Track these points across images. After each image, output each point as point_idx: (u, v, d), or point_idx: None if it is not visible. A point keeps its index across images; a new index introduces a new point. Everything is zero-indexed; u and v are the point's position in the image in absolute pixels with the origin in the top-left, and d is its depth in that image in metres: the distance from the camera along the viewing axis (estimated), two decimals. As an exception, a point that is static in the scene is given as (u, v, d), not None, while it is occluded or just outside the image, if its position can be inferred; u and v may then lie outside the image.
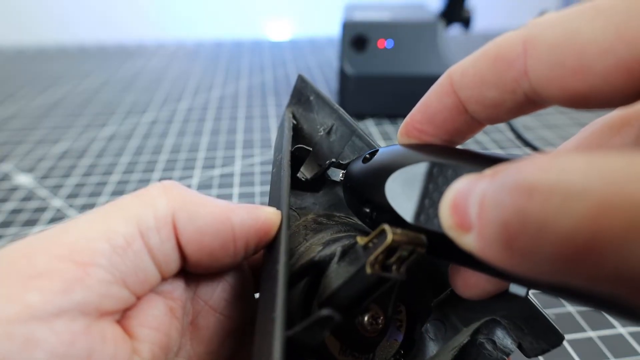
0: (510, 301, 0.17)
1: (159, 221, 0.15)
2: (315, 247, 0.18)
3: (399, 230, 0.14)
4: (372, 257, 0.14)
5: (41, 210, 0.41)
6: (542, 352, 0.16)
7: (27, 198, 0.43)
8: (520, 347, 0.17)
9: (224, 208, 0.17)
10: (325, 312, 0.13)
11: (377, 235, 0.14)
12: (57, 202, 0.42)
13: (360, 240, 0.15)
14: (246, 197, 0.42)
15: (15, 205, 0.42)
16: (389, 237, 0.14)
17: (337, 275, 0.16)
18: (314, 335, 0.13)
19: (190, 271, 0.17)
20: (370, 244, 0.15)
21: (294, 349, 0.13)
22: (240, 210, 0.17)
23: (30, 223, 0.39)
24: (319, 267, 0.17)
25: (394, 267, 0.15)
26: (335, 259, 0.16)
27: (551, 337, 0.16)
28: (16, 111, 0.62)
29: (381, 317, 0.17)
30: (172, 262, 0.16)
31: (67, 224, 0.15)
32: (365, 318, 0.17)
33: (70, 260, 0.14)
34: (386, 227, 0.14)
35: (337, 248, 0.17)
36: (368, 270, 0.14)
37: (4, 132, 0.56)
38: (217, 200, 0.17)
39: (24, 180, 0.46)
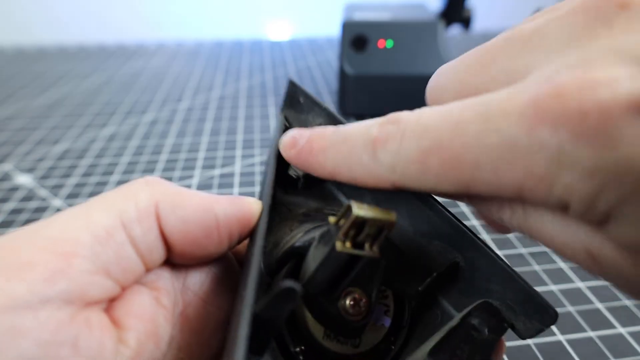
0: (502, 282, 0.17)
1: (141, 212, 0.16)
2: (298, 234, 0.18)
3: (365, 205, 0.14)
4: (340, 234, 0.14)
5: (41, 210, 0.41)
6: (537, 332, 0.16)
7: (27, 198, 0.43)
8: (513, 328, 0.17)
9: (207, 198, 0.17)
10: (286, 284, 0.13)
11: (345, 213, 0.15)
12: (57, 202, 0.42)
13: (332, 219, 0.15)
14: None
15: (15, 205, 0.42)
16: (354, 211, 0.14)
17: (314, 257, 0.16)
18: (280, 308, 0.13)
19: (176, 262, 0.18)
20: (340, 222, 0.15)
21: (264, 324, 0.13)
22: (222, 200, 0.17)
23: (31, 223, 0.39)
24: (299, 253, 0.17)
25: (366, 245, 0.15)
26: (314, 242, 0.16)
27: (544, 316, 0.16)
28: (16, 111, 0.62)
29: (363, 300, 0.17)
30: (156, 253, 0.16)
31: (50, 218, 0.15)
32: (347, 301, 0.17)
33: (52, 252, 0.14)
34: (352, 202, 0.14)
35: (316, 233, 0.17)
36: (338, 247, 0.14)
37: (4, 132, 0.56)
38: (200, 192, 0.17)
39: (24, 180, 0.46)
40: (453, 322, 0.17)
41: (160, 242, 0.16)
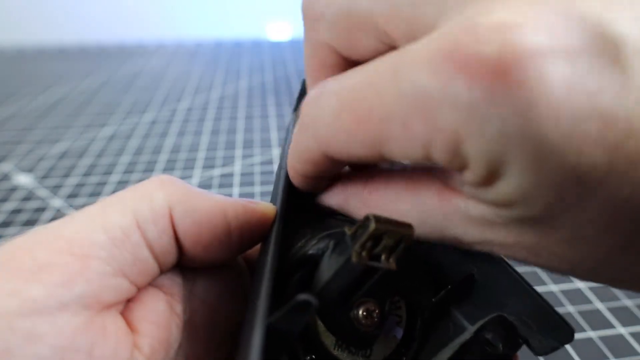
0: (518, 297, 0.17)
1: (155, 214, 0.16)
2: (311, 241, 0.18)
3: (383, 218, 0.14)
4: (357, 246, 0.14)
5: (41, 210, 0.41)
6: (552, 350, 0.16)
7: (27, 198, 0.43)
8: (528, 344, 0.17)
9: (220, 201, 0.17)
10: (302, 296, 0.13)
11: (363, 224, 0.14)
12: (57, 202, 0.42)
13: (348, 230, 0.15)
14: (246, 197, 0.42)
15: (15, 205, 0.42)
16: (372, 224, 0.14)
17: (329, 267, 0.16)
18: (294, 321, 0.13)
19: (187, 265, 0.17)
20: (357, 233, 0.15)
21: (278, 336, 0.13)
22: (236, 203, 0.17)
23: (30, 223, 0.39)
24: (312, 261, 0.17)
25: (382, 257, 0.15)
26: (328, 251, 0.16)
27: (560, 334, 0.16)
28: (16, 111, 0.62)
29: (376, 311, 0.17)
30: (170, 254, 0.16)
31: (66, 219, 0.15)
32: (360, 311, 0.17)
33: (69, 253, 0.14)
34: (370, 214, 0.14)
35: (330, 241, 0.17)
36: (354, 259, 0.14)
37: (4, 132, 0.56)
38: (214, 194, 0.17)
39: (24, 180, 0.46)
40: (466, 336, 0.17)
41: (174, 243, 0.16)
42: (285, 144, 0.22)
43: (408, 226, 0.14)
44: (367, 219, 0.14)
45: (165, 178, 0.17)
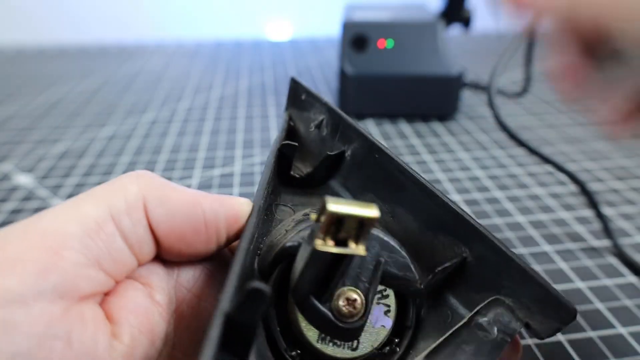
0: (514, 278, 0.16)
1: (129, 205, 0.16)
2: (290, 235, 0.18)
3: (342, 200, 0.14)
4: (319, 232, 0.14)
5: (41, 210, 0.41)
6: (555, 332, 0.15)
7: (27, 198, 0.43)
8: (528, 327, 0.16)
9: (195, 194, 0.17)
10: (253, 284, 0.12)
11: (322, 209, 0.14)
12: (57, 202, 0.42)
13: (313, 216, 0.14)
14: (246, 197, 0.42)
15: (15, 205, 0.42)
16: (328, 207, 0.13)
17: (302, 258, 0.15)
18: (250, 312, 0.13)
19: (167, 258, 0.18)
20: (319, 219, 0.14)
21: (237, 328, 0.13)
22: (211, 197, 0.17)
23: (30, 223, 0.39)
24: (291, 254, 0.17)
25: (350, 242, 0.14)
26: (304, 243, 0.16)
27: (562, 314, 0.15)
28: (16, 111, 0.62)
29: (357, 300, 0.16)
30: (146, 246, 0.16)
31: (40, 213, 0.15)
32: (340, 302, 0.16)
33: (43, 246, 0.14)
34: (327, 198, 0.13)
35: (307, 232, 0.16)
36: (318, 246, 0.14)
37: (4, 132, 0.56)
38: (189, 189, 0.18)
39: (24, 180, 0.46)
40: (461, 323, 0.16)
41: (150, 235, 0.16)
42: (274, 143, 0.22)
43: (370, 208, 0.14)
44: (324, 203, 0.13)
45: (140, 172, 0.17)
